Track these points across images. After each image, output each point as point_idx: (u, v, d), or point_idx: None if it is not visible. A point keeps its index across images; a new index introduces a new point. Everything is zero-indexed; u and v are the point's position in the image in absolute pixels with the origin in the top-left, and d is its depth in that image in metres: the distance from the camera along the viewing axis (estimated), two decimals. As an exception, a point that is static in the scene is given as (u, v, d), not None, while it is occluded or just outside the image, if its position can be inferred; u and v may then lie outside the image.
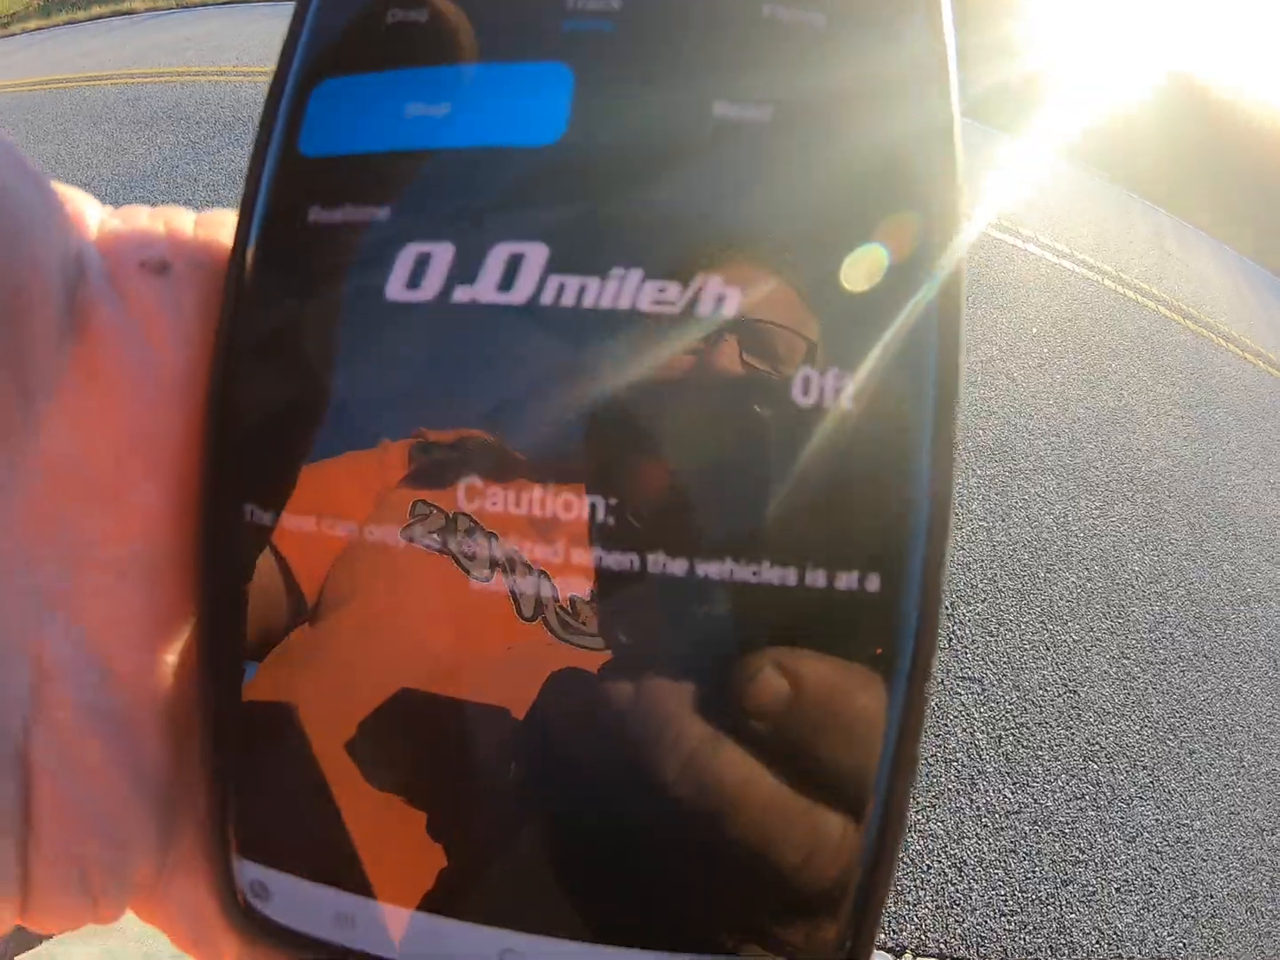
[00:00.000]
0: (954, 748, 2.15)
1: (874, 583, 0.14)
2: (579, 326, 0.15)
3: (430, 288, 0.15)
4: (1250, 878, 2.33)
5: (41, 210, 0.15)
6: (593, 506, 0.15)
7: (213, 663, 0.16)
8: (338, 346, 0.16)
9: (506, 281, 0.15)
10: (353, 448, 0.16)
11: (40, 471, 0.15)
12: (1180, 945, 2.13)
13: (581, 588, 0.15)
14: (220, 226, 0.17)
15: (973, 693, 2.27)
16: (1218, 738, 2.58)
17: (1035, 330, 3.73)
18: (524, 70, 0.16)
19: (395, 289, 0.16)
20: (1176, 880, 2.23)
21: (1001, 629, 2.46)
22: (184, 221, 0.17)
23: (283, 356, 0.16)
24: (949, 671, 2.28)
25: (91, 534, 0.15)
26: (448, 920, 0.15)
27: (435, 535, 0.15)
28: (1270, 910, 2.29)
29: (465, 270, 0.15)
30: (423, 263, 0.15)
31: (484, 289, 0.15)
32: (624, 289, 0.15)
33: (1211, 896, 2.25)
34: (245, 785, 0.16)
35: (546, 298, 0.15)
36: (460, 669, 0.15)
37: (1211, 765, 2.51)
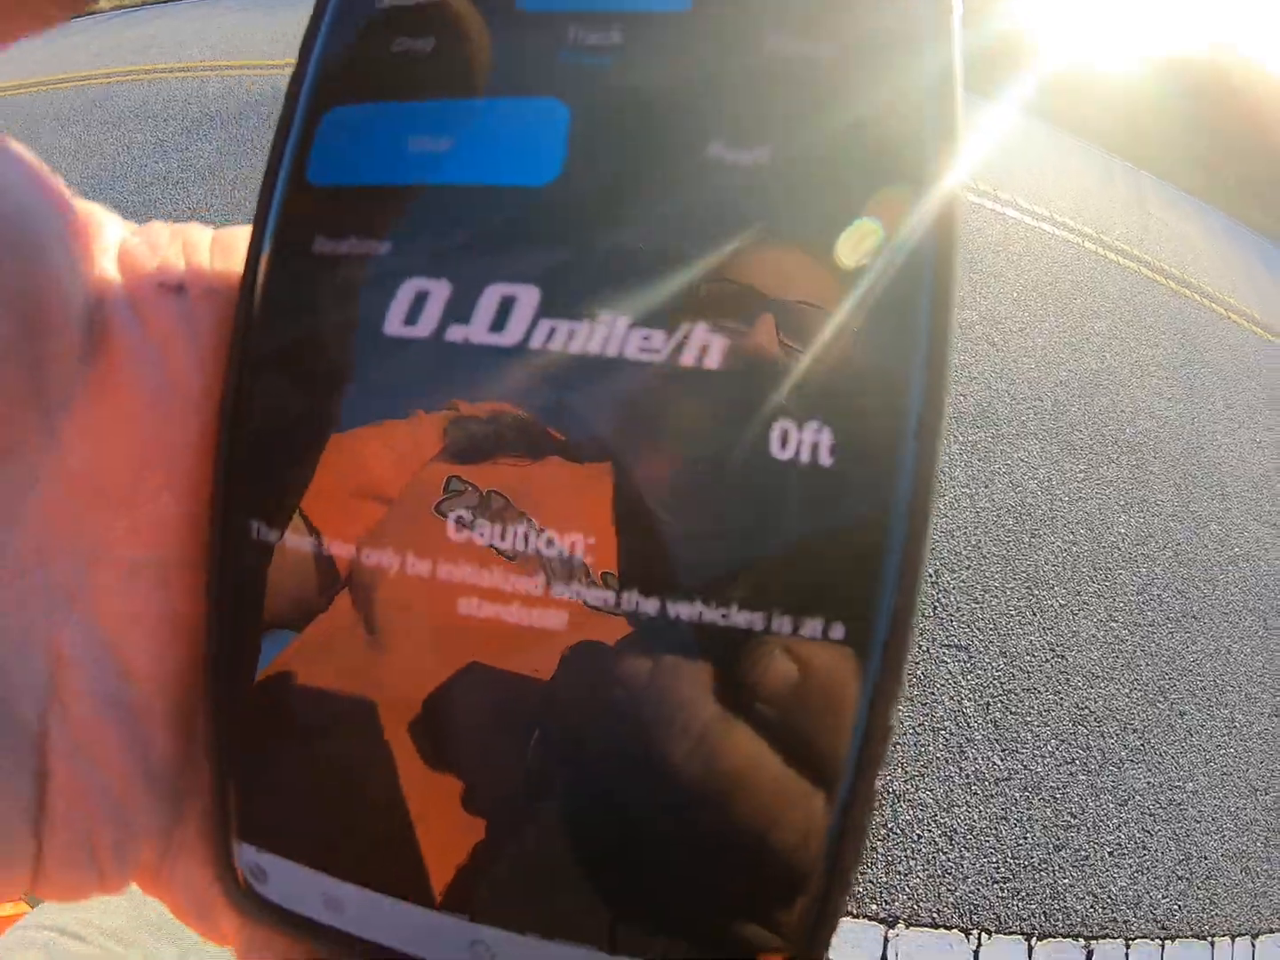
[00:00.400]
0: (941, 716, 2.14)
1: (838, 631, 0.14)
2: (566, 370, 0.15)
3: (427, 325, 0.16)
4: (1245, 838, 2.34)
5: (62, 230, 0.16)
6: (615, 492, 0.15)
7: (220, 655, 0.17)
8: (338, 377, 0.16)
9: (499, 323, 0.16)
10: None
11: (59, 479, 0.16)
12: (1176, 908, 2.13)
13: (611, 564, 0.15)
14: (236, 247, 0.18)
15: (959, 660, 2.26)
16: (1208, 698, 2.58)
17: (1015, 294, 3.73)
18: (522, 106, 0.16)
19: (394, 324, 0.16)
20: (1170, 843, 2.24)
21: (987, 595, 2.45)
22: (201, 241, 0.18)
23: (289, 379, 0.17)
24: (934, 640, 2.28)
25: (107, 537, 0.16)
26: (426, 910, 0.16)
27: (468, 512, 0.16)
28: (1266, 870, 2.30)
29: (460, 309, 0.16)
30: (420, 300, 0.16)
31: (477, 329, 0.16)
32: (611, 335, 0.15)
33: (1206, 858, 2.25)
34: (249, 771, 0.17)
35: (536, 341, 0.15)
36: (492, 645, 0.15)
37: (1203, 726, 2.51)
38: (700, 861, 0.15)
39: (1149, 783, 2.31)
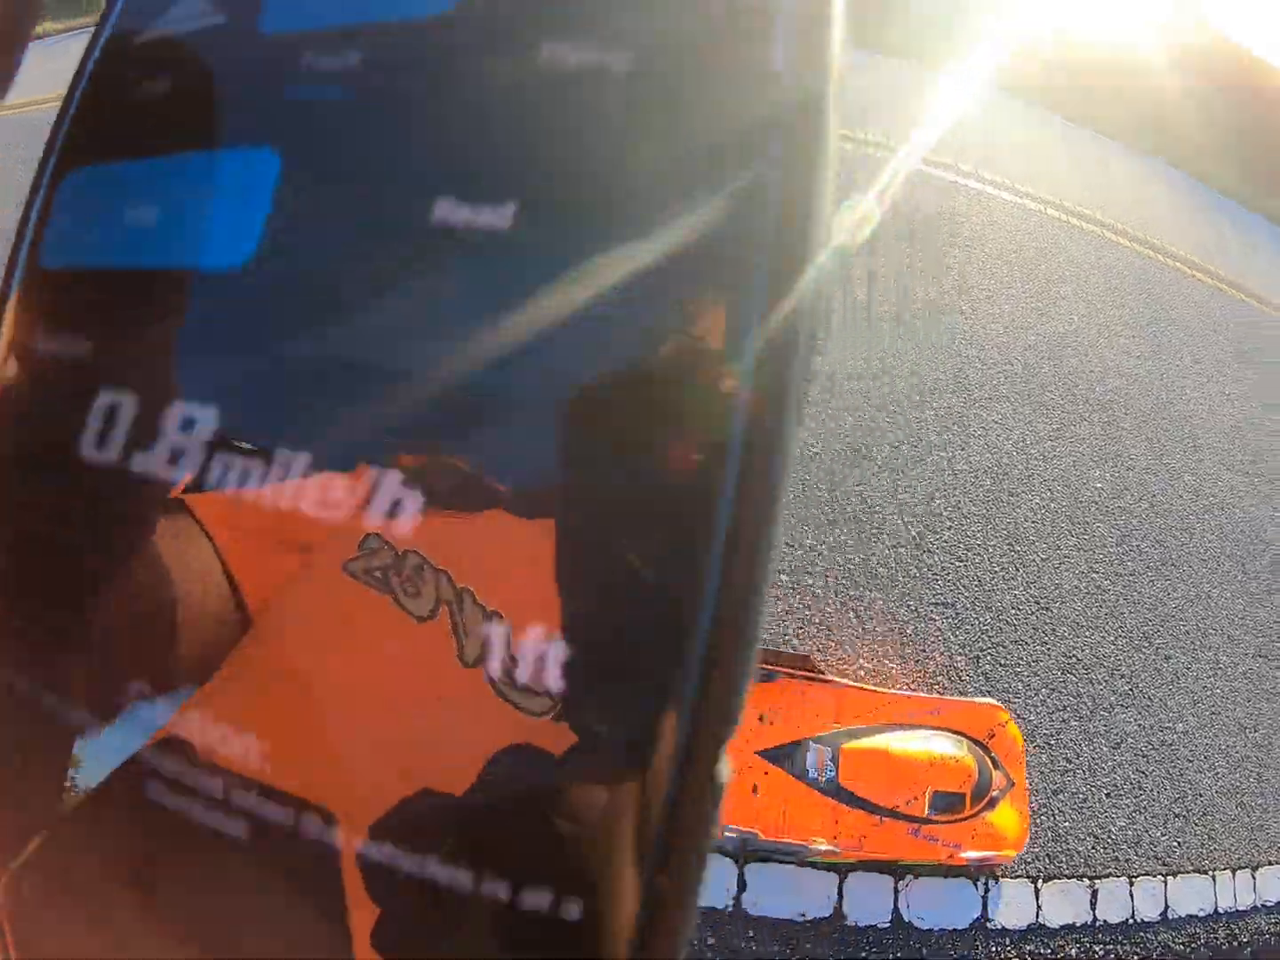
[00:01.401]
0: (933, 672, 2.18)
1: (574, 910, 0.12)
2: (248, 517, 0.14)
3: (112, 449, 0.14)
4: (1238, 774, 2.38)
5: None
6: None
7: None
8: (29, 504, 0.15)
9: (176, 455, 0.14)
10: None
11: None
12: (1175, 845, 2.17)
13: (539, 635, 0.13)
14: None
15: (947, 618, 2.30)
16: (1192, 642, 2.63)
17: (981, 262, 3.73)
18: (231, 159, 0.14)
19: (87, 446, 0.14)
20: (1165, 782, 2.27)
21: (970, 554, 2.48)
22: None
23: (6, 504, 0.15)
24: (921, 599, 2.31)
25: None
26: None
27: (377, 573, 0.14)
28: (1260, 805, 2.34)
29: (143, 434, 0.14)
30: (110, 417, 0.14)
31: (158, 460, 0.14)
32: (287, 480, 0.13)
33: (1201, 795, 2.29)
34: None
35: (211, 479, 0.14)
36: (393, 720, 0.13)
37: (1189, 669, 2.55)
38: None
39: (1140, 725, 2.35)
